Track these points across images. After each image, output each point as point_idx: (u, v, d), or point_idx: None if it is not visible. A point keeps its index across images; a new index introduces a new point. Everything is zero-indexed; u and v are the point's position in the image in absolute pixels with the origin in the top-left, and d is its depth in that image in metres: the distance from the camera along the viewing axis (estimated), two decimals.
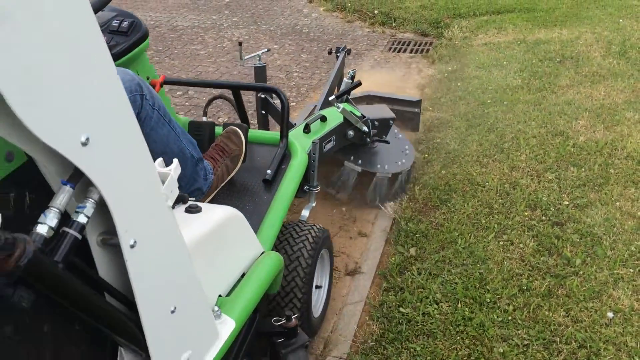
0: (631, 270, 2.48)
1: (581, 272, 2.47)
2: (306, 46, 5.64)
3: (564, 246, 2.62)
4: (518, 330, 2.21)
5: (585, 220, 2.79)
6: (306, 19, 6.48)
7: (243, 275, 1.62)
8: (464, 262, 2.57)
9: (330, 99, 2.90)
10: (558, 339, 2.16)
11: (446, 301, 2.36)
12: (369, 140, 2.94)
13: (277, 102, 2.80)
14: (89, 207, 0.91)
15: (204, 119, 2.70)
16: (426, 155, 3.51)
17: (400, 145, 3.25)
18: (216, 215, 1.51)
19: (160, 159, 1.17)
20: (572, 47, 5.10)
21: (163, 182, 1.09)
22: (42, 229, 0.84)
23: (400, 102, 3.69)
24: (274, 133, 2.47)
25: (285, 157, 2.26)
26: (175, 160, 1.17)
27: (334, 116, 2.74)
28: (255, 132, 2.43)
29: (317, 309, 2.26)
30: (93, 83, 0.86)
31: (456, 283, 2.44)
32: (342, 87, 3.22)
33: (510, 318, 2.26)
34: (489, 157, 3.42)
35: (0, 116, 0.76)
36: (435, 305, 2.34)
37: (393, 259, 2.64)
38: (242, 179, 2.19)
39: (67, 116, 0.81)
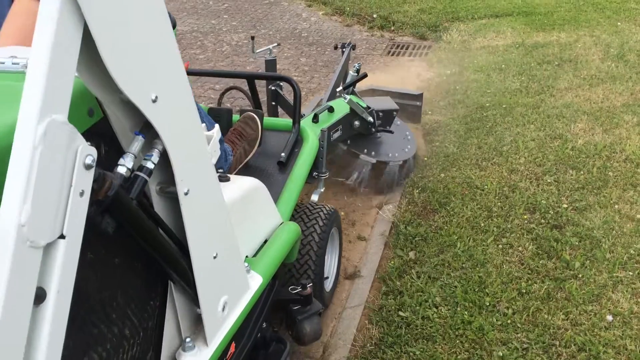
0: (630, 273, 2.48)
1: (580, 275, 2.47)
2: (305, 50, 5.65)
3: (563, 249, 2.63)
4: (517, 333, 2.21)
5: (584, 223, 2.79)
6: (305, 23, 6.49)
7: (265, 242, 1.79)
8: (463, 265, 2.57)
9: (337, 90, 3.10)
10: (557, 343, 2.16)
11: (445, 305, 2.36)
12: (374, 130, 3.11)
13: (285, 94, 3.12)
14: (155, 155, 1.06)
15: None
16: (425, 158, 3.51)
17: (402, 132, 3.39)
18: (244, 184, 1.69)
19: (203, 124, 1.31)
20: (570, 50, 5.12)
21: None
22: (121, 170, 0.99)
23: (402, 96, 3.76)
24: (286, 120, 2.63)
25: (298, 141, 2.44)
26: (217, 125, 1.38)
27: (341, 107, 2.89)
28: (268, 119, 2.59)
29: (328, 285, 2.44)
30: (164, 51, 1.03)
31: (455, 286, 2.44)
32: (348, 80, 3.34)
33: (509, 321, 2.26)
34: (487, 161, 3.42)
35: (94, 73, 0.91)
36: (435, 309, 2.34)
37: (392, 262, 2.64)
38: (257, 162, 2.37)
39: (143, 75, 0.97)
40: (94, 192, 0.88)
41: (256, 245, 1.74)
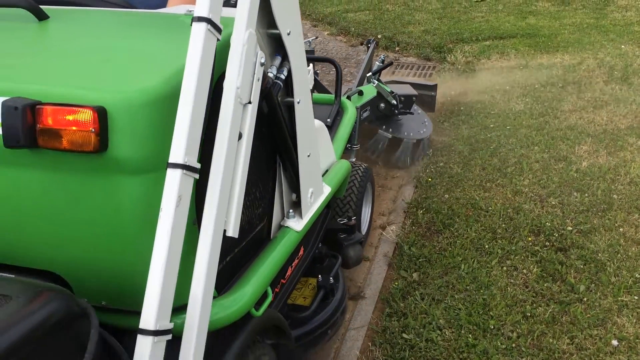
0: (635, 298, 2.46)
1: (585, 299, 2.45)
2: None
3: (567, 272, 2.61)
4: (522, 357, 2.19)
5: (589, 246, 2.78)
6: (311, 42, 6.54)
7: (325, 172, 2.26)
8: (468, 287, 2.56)
9: (367, 75, 3.70)
10: None
11: (449, 327, 2.34)
12: (396, 112, 3.69)
13: (321, 79, 3.76)
14: (285, 71, 1.58)
15: None
16: (429, 179, 3.52)
17: (421, 118, 3.94)
18: (316, 121, 2.12)
19: None
20: (574, 72, 5.14)
21: None
22: (270, 74, 1.52)
23: (419, 87, 4.17)
24: (329, 95, 3.14)
25: (339, 112, 2.93)
26: (311, 65, 2.00)
27: (369, 91, 3.53)
28: (314, 95, 2.89)
29: (363, 228, 2.93)
30: (294, 5, 1.61)
31: (459, 309, 2.43)
32: (375, 68, 3.86)
33: (514, 345, 2.24)
34: (492, 182, 3.42)
35: (262, 18, 1.43)
36: (439, 331, 2.32)
37: (396, 283, 2.63)
38: None
39: (287, 17, 1.54)
40: (261, 82, 1.38)
41: (323, 168, 2.22)
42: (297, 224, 1.84)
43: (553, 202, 3.17)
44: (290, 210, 1.86)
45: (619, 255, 2.71)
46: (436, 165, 3.69)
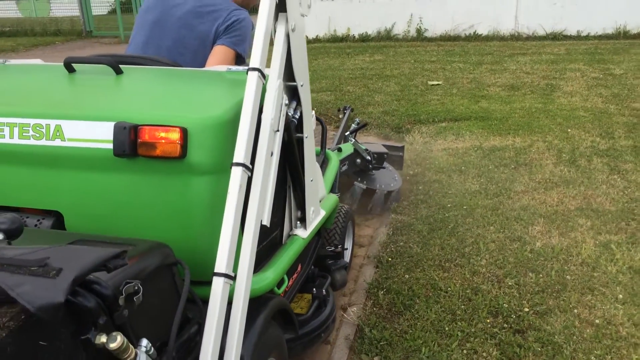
0: None
1: None
2: None
3: (526, 355, 2.63)
4: None
5: (545, 327, 2.83)
6: None
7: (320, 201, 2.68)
8: None
9: (346, 134, 4.35)
10: None
11: None
12: (370, 166, 4.27)
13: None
14: (298, 113, 2.11)
15: None
16: (390, 259, 3.55)
17: (391, 174, 4.52)
18: None
19: None
20: (525, 154, 5.40)
21: None
22: (289, 113, 2.03)
23: (388, 147, 4.74)
24: (315, 148, 3.72)
25: (325, 161, 3.39)
26: (313, 111, 2.36)
27: (347, 148, 4.10)
28: None
29: (347, 256, 3.39)
30: (304, 62, 2.16)
31: None
32: (352, 128, 4.48)
33: None
34: (450, 262, 3.48)
35: (285, 72, 1.99)
36: None
37: None
38: None
39: (301, 70, 2.09)
40: (285, 118, 1.92)
41: (319, 198, 2.63)
42: (303, 233, 2.37)
43: (510, 283, 3.23)
44: (298, 222, 2.38)
45: (575, 337, 2.76)
46: (396, 245, 3.74)
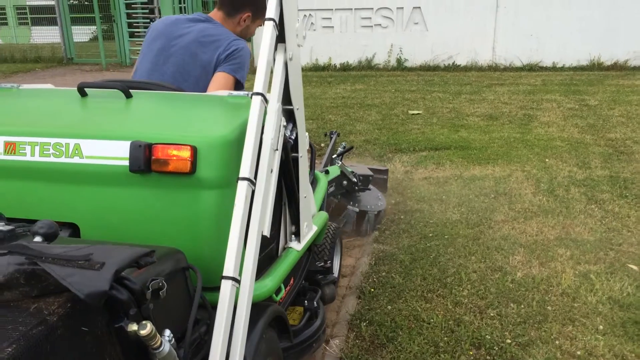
0: None
1: None
2: None
3: None
4: None
5: (527, 359, 2.82)
6: None
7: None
8: None
9: (333, 157, 4.53)
10: None
11: None
12: (356, 188, 4.49)
13: None
14: (294, 134, 2.26)
15: None
16: (372, 289, 3.54)
17: (375, 194, 4.72)
18: None
19: None
20: (504, 183, 5.46)
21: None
22: (286, 134, 2.18)
23: (373, 171, 4.92)
24: None
25: (314, 181, 3.50)
26: (307, 133, 2.51)
27: (334, 171, 4.23)
28: None
29: (335, 272, 3.47)
30: (300, 89, 2.29)
31: None
32: (339, 151, 4.67)
33: None
34: (432, 292, 3.48)
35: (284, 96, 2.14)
36: None
37: None
38: None
39: (296, 98, 2.24)
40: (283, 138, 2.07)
41: (312, 214, 2.77)
42: (298, 246, 2.51)
43: (492, 314, 3.23)
44: (292, 236, 2.52)
45: None
46: (378, 275, 3.73)
